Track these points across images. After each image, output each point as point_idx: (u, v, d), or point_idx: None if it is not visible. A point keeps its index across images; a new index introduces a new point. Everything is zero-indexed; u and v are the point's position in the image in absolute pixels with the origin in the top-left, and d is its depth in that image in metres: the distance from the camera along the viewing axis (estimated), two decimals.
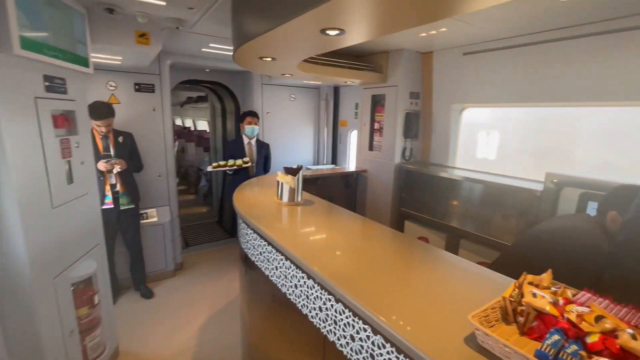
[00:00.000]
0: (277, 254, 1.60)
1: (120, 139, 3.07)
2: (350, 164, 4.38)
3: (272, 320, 1.85)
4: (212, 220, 5.71)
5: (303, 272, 1.39)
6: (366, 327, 1.06)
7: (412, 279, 1.27)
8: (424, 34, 2.52)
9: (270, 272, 1.70)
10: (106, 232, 3.06)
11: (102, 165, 2.85)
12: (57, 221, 1.87)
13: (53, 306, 1.84)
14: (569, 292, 0.99)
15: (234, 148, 3.62)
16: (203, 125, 9.50)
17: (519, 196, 2.35)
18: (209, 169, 3.45)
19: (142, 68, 3.31)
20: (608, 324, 0.78)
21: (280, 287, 1.61)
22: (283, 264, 1.55)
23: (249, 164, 3.46)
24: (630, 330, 0.76)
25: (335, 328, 1.22)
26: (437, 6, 1.16)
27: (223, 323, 2.98)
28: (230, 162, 3.38)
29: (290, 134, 4.14)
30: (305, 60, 2.56)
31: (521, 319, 0.92)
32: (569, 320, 0.82)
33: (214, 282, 3.72)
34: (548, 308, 0.87)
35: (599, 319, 0.79)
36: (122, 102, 3.30)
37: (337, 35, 1.46)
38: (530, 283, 1.01)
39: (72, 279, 2.01)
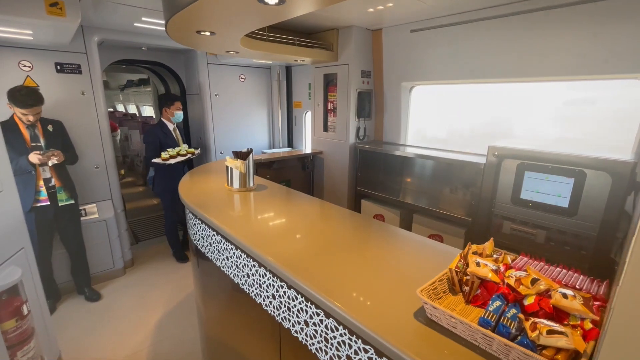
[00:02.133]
0: (227, 243, 1.51)
1: (50, 127, 2.70)
2: (306, 146, 4.32)
3: (227, 312, 1.78)
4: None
5: (254, 260, 1.32)
6: (319, 311, 1.03)
7: (365, 259, 1.26)
8: (371, 9, 2.46)
9: (221, 263, 1.62)
10: (41, 232, 2.74)
11: (35, 157, 2.49)
12: None
13: None
14: (509, 258, 1.03)
15: (159, 135, 3.29)
16: (149, 112, 8.78)
17: (466, 170, 2.47)
18: (158, 160, 3.14)
19: (63, 45, 2.89)
20: (542, 286, 0.82)
21: (232, 277, 1.53)
22: (234, 253, 1.47)
23: (197, 153, 3.24)
24: (562, 290, 0.81)
25: (289, 315, 1.18)
26: None
27: (180, 318, 2.85)
28: (183, 150, 3.14)
29: (243, 117, 3.94)
30: (249, 36, 2.40)
31: (466, 288, 0.94)
32: (508, 286, 0.85)
33: (168, 276, 3.52)
34: (490, 275, 0.90)
35: (534, 281, 0.83)
36: (42, 85, 2.88)
37: (276, 4, 1.34)
38: (475, 252, 1.04)
39: None
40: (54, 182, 2.74)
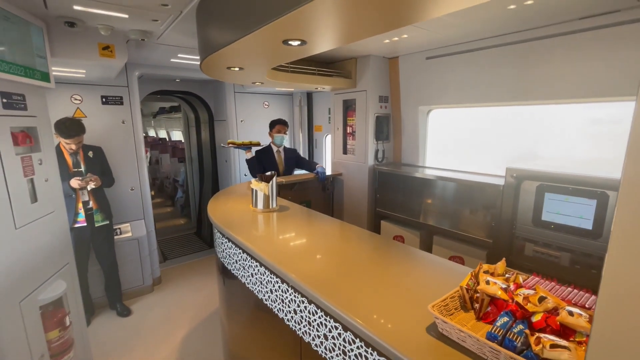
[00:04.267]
0: (252, 260, 1.62)
1: (91, 154, 2.98)
2: (327, 168, 4.44)
3: (250, 328, 1.86)
4: (190, 231, 5.62)
5: (277, 276, 1.42)
6: (337, 325, 1.10)
7: (383, 278, 1.32)
8: (387, 41, 2.62)
9: (246, 280, 1.72)
10: (79, 250, 2.97)
11: (75, 182, 2.76)
12: (21, 242, 1.80)
13: (20, 331, 1.77)
14: (521, 278, 1.07)
15: (263, 157, 3.49)
16: (178, 136, 9.32)
17: (485, 191, 2.48)
18: (224, 145, 3.42)
19: (108, 80, 3.24)
20: (550, 304, 0.86)
21: (256, 293, 1.63)
22: (258, 270, 1.57)
23: (260, 145, 3.40)
24: (569, 308, 0.85)
25: (309, 329, 1.25)
26: (388, 18, 1.24)
27: (204, 335, 2.94)
28: (246, 141, 3.32)
29: (266, 141, 4.13)
30: (274, 68, 2.61)
31: (477, 306, 0.99)
32: (517, 303, 0.90)
33: (193, 294, 3.66)
34: (499, 293, 0.95)
35: (542, 299, 0.87)
36: (89, 115, 3.22)
37: (299, 45, 1.51)
38: (486, 272, 1.09)
39: (41, 301, 1.94)
40: (91, 204, 2.98)
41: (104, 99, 3.30)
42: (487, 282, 0.98)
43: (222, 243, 1.98)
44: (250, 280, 1.68)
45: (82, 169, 2.91)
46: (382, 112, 3.31)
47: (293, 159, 3.57)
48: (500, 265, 1.11)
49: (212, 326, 3.04)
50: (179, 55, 3.03)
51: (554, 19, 2.12)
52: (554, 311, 0.86)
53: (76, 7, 1.86)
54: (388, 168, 3.20)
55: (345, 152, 3.55)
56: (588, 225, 1.97)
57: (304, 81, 2.89)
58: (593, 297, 0.97)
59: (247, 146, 3.25)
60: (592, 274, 1.96)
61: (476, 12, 2.01)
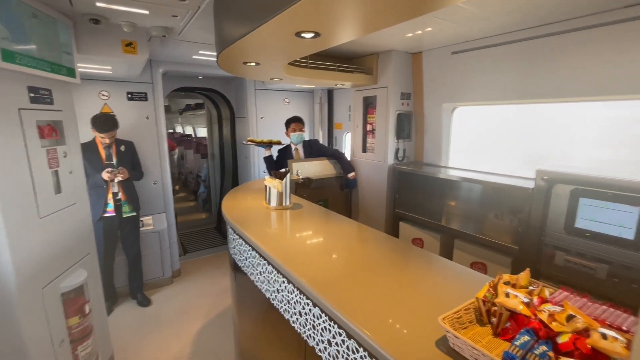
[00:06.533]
0: (261, 258, 1.59)
1: (122, 147, 3.11)
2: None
3: (259, 326, 1.84)
4: (210, 226, 5.73)
5: (283, 276, 1.38)
6: (341, 331, 1.04)
7: (393, 283, 1.25)
8: (410, 34, 2.51)
9: (255, 277, 1.69)
10: (107, 239, 3.10)
11: (105, 174, 2.89)
12: (44, 231, 1.87)
13: (42, 316, 1.84)
14: (547, 291, 0.96)
15: (282, 156, 3.49)
16: (203, 132, 9.56)
17: (512, 194, 2.32)
18: (244, 142, 3.48)
19: (134, 77, 3.34)
20: (579, 323, 0.76)
21: (264, 292, 1.59)
22: (266, 268, 1.54)
23: (281, 144, 3.39)
24: (602, 329, 0.74)
25: (314, 333, 1.20)
26: (405, 5, 1.15)
27: (218, 330, 2.97)
28: (266, 140, 3.34)
29: (285, 139, 4.12)
30: (292, 64, 2.57)
31: (494, 320, 0.89)
32: (540, 321, 0.80)
33: (210, 288, 3.71)
34: (520, 308, 0.85)
35: (570, 318, 0.77)
36: (116, 111, 3.33)
37: (312, 37, 1.45)
38: (507, 283, 0.99)
39: (62, 288, 2.01)
40: (120, 195, 3.10)
41: (129, 95, 3.41)
42: (507, 295, 0.89)
43: (234, 239, 1.97)
44: (258, 278, 1.65)
45: (114, 161, 3.03)
46: (404, 109, 3.19)
47: (314, 153, 3.51)
48: (524, 277, 1.00)
49: (226, 321, 3.07)
50: (200, 51, 3.06)
51: (590, 8, 1.93)
52: (585, 332, 0.75)
53: (99, 4, 1.91)
54: (409, 167, 3.08)
55: (364, 150, 3.46)
56: (630, 234, 1.79)
57: (324, 77, 2.83)
58: (632, 318, 0.85)
59: (266, 144, 3.25)
60: (632, 289, 1.77)
61: (502, 2, 1.87)
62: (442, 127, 3.06)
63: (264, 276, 1.57)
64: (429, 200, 2.88)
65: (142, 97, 3.47)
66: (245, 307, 2.04)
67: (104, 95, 3.30)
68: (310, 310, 1.20)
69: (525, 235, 2.21)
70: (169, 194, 3.77)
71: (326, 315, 1.11)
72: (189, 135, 10.20)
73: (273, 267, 1.46)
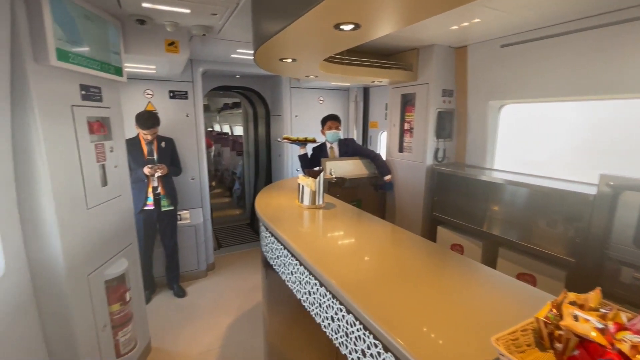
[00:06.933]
0: (292, 258, 1.55)
1: (163, 144, 3.24)
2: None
3: (289, 326, 1.80)
4: (244, 222, 5.85)
5: (315, 278, 1.32)
6: (377, 342, 0.97)
7: (434, 292, 1.15)
8: (455, 27, 2.35)
9: (286, 277, 1.66)
10: (147, 232, 3.25)
11: (146, 169, 3.03)
12: (91, 221, 1.98)
13: (87, 301, 1.94)
14: (623, 316, 0.82)
15: (317, 155, 3.45)
16: (239, 131, 9.82)
17: (568, 201, 2.09)
18: (279, 140, 3.52)
19: (175, 76, 3.47)
20: None
21: (295, 293, 1.55)
22: (297, 269, 1.50)
23: (315, 142, 3.36)
24: None
25: (347, 341, 1.13)
26: None
27: (248, 325, 3.00)
28: (301, 137, 3.32)
29: (319, 137, 4.09)
30: (328, 60, 2.51)
31: (559, 346, 0.77)
32: (620, 352, 0.67)
33: (242, 284, 3.77)
34: (594, 335, 0.72)
35: None
36: (158, 108, 3.48)
37: (352, 30, 1.38)
38: (573, 303, 0.85)
39: (106, 276, 2.12)
40: (159, 190, 3.23)
41: (171, 94, 3.55)
42: (576, 318, 0.76)
43: (266, 237, 1.96)
44: (289, 278, 1.61)
45: (155, 157, 3.17)
46: (445, 107, 3.01)
47: (350, 152, 3.43)
48: (594, 297, 0.86)
49: (256, 317, 3.09)
50: (238, 50, 3.10)
51: None
52: None
53: (144, 5, 1.97)
54: (449, 169, 2.90)
55: (401, 150, 3.32)
56: None
57: (360, 74, 2.75)
58: None
59: (301, 142, 3.23)
60: None
61: None
62: (488, 127, 2.85)
63: (296, 277, 1.53)
64: (471, 204, 2.70)
65: (183, 95, 3.60)
66: (276, 306, 2.02)
67: (148, 94, 3.46)
68: (343, 316, 1.14)
69: (583, 247, 1.98)
70: (205, 189, 3.88)
71: (360, 323, 1.04)
72: (226, 134, 10.53)
73: (305, 268, 1.41)
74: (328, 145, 3.44)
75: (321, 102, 4.42)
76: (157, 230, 3.39)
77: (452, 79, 3.01)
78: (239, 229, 5.56)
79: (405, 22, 1.39)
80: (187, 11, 2.08)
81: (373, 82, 3.19)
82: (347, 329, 1.12)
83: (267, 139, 4.96)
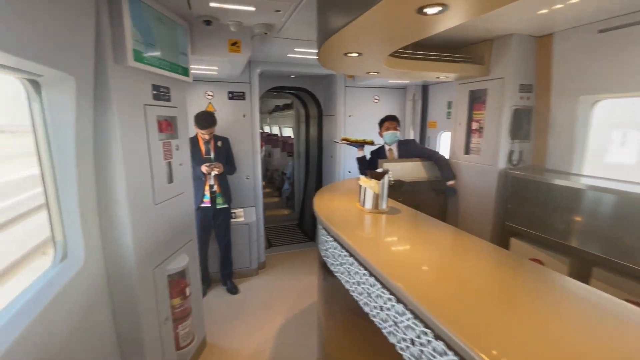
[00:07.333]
0: (360, 267, 1.42)
1: (220, 143, 3.33)
2: None
3: (351, 338, 1.68)
4: (293, 223, 5.86)
5: (391, 293, 1.18)
6: None
7: (524, 312, 0.94)
8: (544, 10, 2.05)
9: (351, 287, 1.54)
10: (203, 228, 3.36)
11: (204, 167, 3.13)
12: (157, 217, 2.04)
13: (152, 294, 2.00)
14: None
15: (375, 157, 3.28)
16: (288, 132, 9.98)
17: None
18: (337, 141, 3.52)
19: (234, 77, 3.54)
20: None
21: (362, 305, 1.42)
22: (366, 280, 1.37)
23: (374, 144, 3.22)
24: None
25: None
26: None
27: (300, 328, 2.93)
28: (360, 139, 3.21)
29: (373, 137, 3.93)
30: (392, 55, 2.35)
31: None
32: None
33: (293, 284, 3.74)
34: None
35: None
36: (218, 109, 3.58)
37: (437, 13, 1.22)
38: None
39: (168, 270, 2.17)
40: (215, 188, 3.31)
41: (230, 95, 3.63)
42: None
43: (327, 241, 1.85)
44: (355, 288, 1.49)
45: (212, 156, 3.27)
46: (523, 104, 2.68)
47: (411, 154, 3.22)
48: None
49: (308, 321, 3.02)
50: (295, 49, 3.07)
51: None
52: None
53: (212, 4, 1.99)
54: (526, 173, 2.57)
55: (467, 151, 3.03)
56: None
57: (427, 69, 2.55)
58: None
59: (360, 144, 3.10)
60: None
61: None
62: (577, 126, 2.47)
63: (363, 288, 1.40)
64: (555, 214, 2.35)
65: (240, 96, 3.67)
66: (335, 313, 1.91)
67: (209, 95, 3.58)
68: (428, 341, 0.98)
69: None
70: (259, 189, 3.92)
71: (456, 354, 0.87)
72: (275, 135, 10.77)
73: (376, 279, 1.28)
74: (387, 147, 3.27)
75: (376, 101, 4.24)
76: (212, 227, 3.48)
77: (531, 72, 2.67)
78: (288, 229, 5.59)
79: (500, 2, 1.20)
80: (252, 9, 2.07)
81: (437, 78, 2.95)
82: (433, 356, 0.96)
83: (318, 139, 4.91)
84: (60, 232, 1.56)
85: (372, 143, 3.14)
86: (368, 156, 3.35)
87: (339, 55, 1.96)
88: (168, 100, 2.15)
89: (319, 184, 4.97)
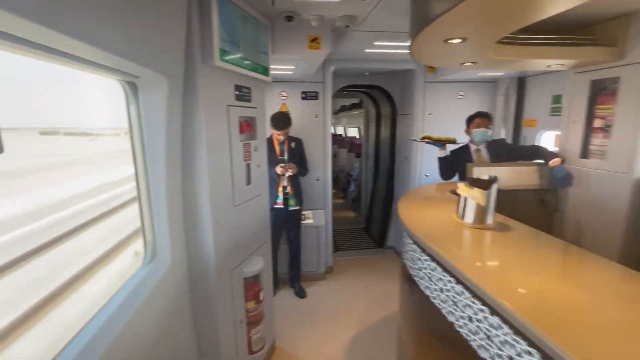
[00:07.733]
0: (474, 301, 1.15)
1: (293, 144, 3.29)
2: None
3: None
4: (359, 226, 5.64)
5: (532, 345, 0.90)
6: None
7: None
8: None
9: (457, 321, 1.27)
10: (274, 230, 3.34)
11: (279, 169, 3.11)
12: (236, 219, 2.01)
13: (228, 297, 1.98)
14: None
15: (456, 158, 2.86)
16: (352, 132, 9.78)
17: None
18: (416, 139, 3.28)
19: (308, 77, 3.46)
20: None
21: (476, 348, 1.15)
22: (483, 317, 1.10)
23: (456, 143, 2.83)
24: None
25: None
26: None
27: (374, 342, 2.71)
28: (443, 137, 2.85)
29: (460, 138, 3.51)
30: (499, 42, 1.98)
31: None
32: None
33: (363, 292, 3.53)
34: None
35: None
36: (291, 109, 3.54)
37: None
38: None
39: (244, 273, 2.14)
40: (288, 189, 3.27)
41: (303, 95, 3.56)
42: None
43: (418, 258, 1.60)
44: (465, 324, 1.22)
45: (286, 157, 3.23)
46: None
47: (503, 155, 2.76)
48: None
49: (384, 334, 2.78)
50: (375, 42, 2.85)
51: None
52: None
53: None
54: None
55: (585, 155, 2.47)
56: None
57: (539, 56, 2.11)
58: None
59: (442, 142, 2.75)
60: None
61: None
62: None
63: (476, 326, 1.13)
64: None
65: (313, 96, 3.58)
66: (422, 337, 1.65)
67: (283, 96, 3.56)
68: None
69: None
70: (329, 191, 3.80)
71: None
72: (340, 135, 10.65)
73: (503, 321, 1.00)
74: (473, 147, 2.85)
75: (461, 96, 3.80)
76: (284, 229, 3.45)
77: None
78: (354, 233, 5.38)
79: None
80: (337, 0, 1.91)
81: (549, 66, 2.46)
82: None
83: (391, 139, 4.61)
84: (150, 231, 1.59)
85: (454, 141, 2.76)
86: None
87: (438, 42, 1.68)
88: (249, 100, 2.11)
89: (389, 187, 4.67)
